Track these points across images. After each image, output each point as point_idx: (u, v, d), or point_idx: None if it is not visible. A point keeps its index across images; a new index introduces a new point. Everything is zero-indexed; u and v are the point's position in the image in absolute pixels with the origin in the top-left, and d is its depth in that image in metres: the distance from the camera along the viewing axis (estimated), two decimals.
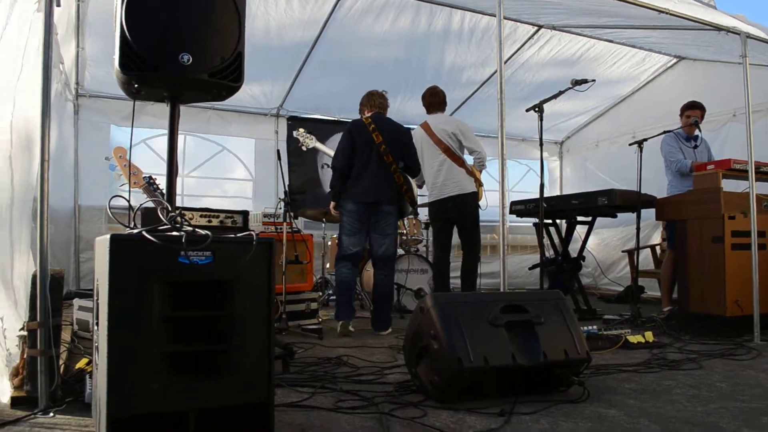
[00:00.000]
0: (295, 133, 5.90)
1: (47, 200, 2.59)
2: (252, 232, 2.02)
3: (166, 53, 2.14)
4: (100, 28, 5.99)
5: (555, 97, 4.86)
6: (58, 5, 2.69)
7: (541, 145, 4.42)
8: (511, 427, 2.34)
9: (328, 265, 6.77)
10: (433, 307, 2.67)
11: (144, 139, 7.33)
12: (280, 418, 2.33)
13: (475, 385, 2.67)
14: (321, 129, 8.24)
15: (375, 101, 5.16)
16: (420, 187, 5.35)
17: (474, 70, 7.64)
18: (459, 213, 5.24)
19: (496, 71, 7.49)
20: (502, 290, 3.41)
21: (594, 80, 4.44)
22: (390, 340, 4.43)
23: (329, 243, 6.83)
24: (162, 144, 7.33)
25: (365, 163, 4.76)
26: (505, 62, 4.00)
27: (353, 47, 6.93)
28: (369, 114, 5.05)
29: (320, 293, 6.14)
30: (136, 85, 2.20)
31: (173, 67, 2.13)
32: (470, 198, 5.22)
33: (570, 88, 4.62)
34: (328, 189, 7.28)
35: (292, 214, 4.89)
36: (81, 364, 3.09)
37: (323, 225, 6.72)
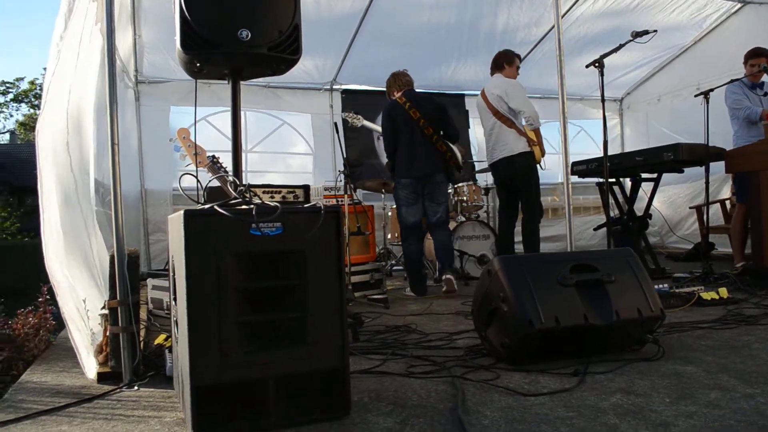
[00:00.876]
0: (343, 115, 5.89)
1: (119, 183, 2.68)
2: (318, 203, 2.04)
3: (226, 30, 2.17)
4: (155, 15, 6.11)
5: (616, 50, 4.69)
6: None
7: (603, 100, 4.29)
8: (586, 386, 2.31)
9: (389, 236, 6.80)
10: (501, 269, 2.65)
11: (204, 117, 7.48)
12: (354, 385, 2.36)
13: (546, 346, 2.64)
14: (375, 101, 8.22)
15: (402, 80, 5.35)
16: (463, 154, 5.33)
17: (527, 31, 7.46)
18: (508, 175, 5.19)
19: (550, 29, 7.34)
20: (569, 250, 3.35)
21: (656, 31, 4.27)
22: (456, 306, 4.43)
23: (390, 213, 6.86)
24: (222, 120, 7.48)
25: (410, 140, 5.01)
26: (561, 17, 3.88)
27: (404, 14, 6.86)
28: (399, 93, 5.22)
29: (383, 263, 6.18)
30: (198, 64, 2.24)
31: (233, 44, 2.16)
32: (519, 159, 5.13)
33: (630, 41, 4.46)
34: (384, 160, 7.30)
35: (352, 186, 4.91)
36: (159, 339, 3.21)
37: (382, 196, 6.74)
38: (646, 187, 6.06)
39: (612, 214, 6.27)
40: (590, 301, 2.66)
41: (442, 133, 5.11)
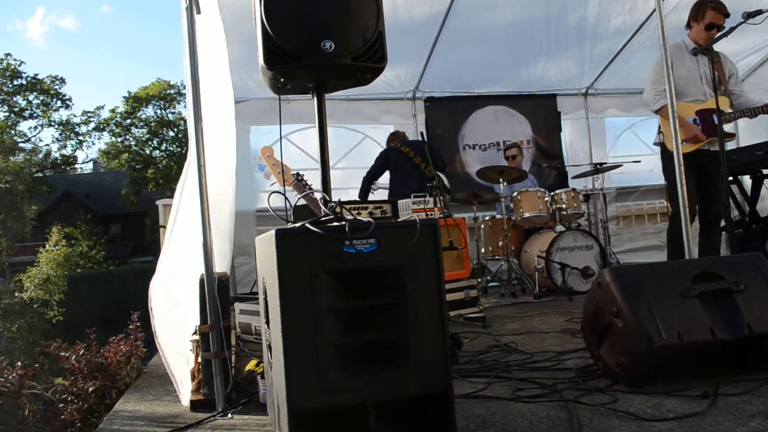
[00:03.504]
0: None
1: (207, 204, 2.78)
2: (414, 217, 2.04)
3: (308, 43, 2.22)
4: (231, 35, 6.33)
5: (725, 35, 4.48)
6: (198, 12, 2.86)
7: (716, 90, 4.10)
8: (718, 410, 2.19)
9: (483, 250, 6.74)
10: (613, 281, 2.56)
11: (285, 135, 7.66)
12: (458, 410, 2.32)
13: (668, 365, 2.53)
14: (461, 107, 8.23)
15: (399, 136, 6.87)
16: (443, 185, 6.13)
17: (621, 19, 7.26)
18: None
19: (648, 17, 7.10)
20: (688, 257, 3.21)
21: None
22: (561, 323, 4.32)
23: (482, 226, 6.79)
24: (303, 138, 7.64)
25: (404, 169, 6.33)
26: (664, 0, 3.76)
27: (486, 13, 6.83)
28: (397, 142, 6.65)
29: (478, 280, 6.12)
30: (282, 79, 2.30)
31: (317, 56, 2.21)
32: (660, 152, 4.92)
33: (742, 23, 4.25)
34: (473, 169, 7.26)
35: (441, 198, 4.90)
36: (251, 365, 3.28)
37: (474, 207, 6.68)
38: None
39: (732, 216, 5.98)
40: (717, 313, 2.52)
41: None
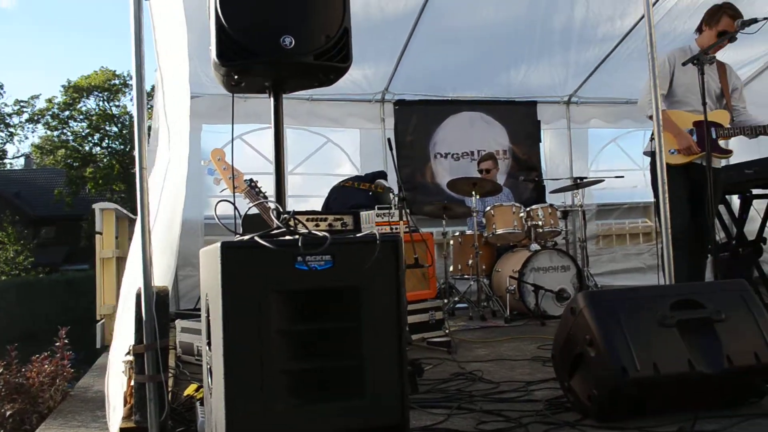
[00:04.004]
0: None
1: (148, 211, 2.75)
2: (374, 232, 2.05)
3: (266, 38, 2.22)
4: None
5: (719, 44, 4.62)
6: None
7: (704, 104, 4.20)
8: None
9: (451, 268, 6.78)
10: (587, 307, 2.60)
11: (240, 135, 7.61)
12: None
13: (644, 398, 2.57)
14: (432, 112, 8.27)
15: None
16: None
17: (610, 24, 7.38)
18: None
19: (639, 20, 7.24)
20: (667, 282, 3.28)
21: (766, 18, 4.17)
22: (532, 350, 4.37)
23: (451, 242, 6.83)
24: (259, 139, 7.60)
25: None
26: (653, 5, 3.85)
27: (465, 12, 6.88)
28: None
29: (445, 301, 6.15)
30: (236, 77, 2.30)
31: (275, 52, 2.22)
32: (650, 163, 5.00)
33: (735, 32, 4.38)
34: (443, 180, 7.30)
35: (408, 211, 4.92)
36: (190, 390, 3.25)
37: (443, 222, 6.72)
38: (758, 205, 5.89)
39: (718, 239, 6.11)
40: (696, 344, 2.58)
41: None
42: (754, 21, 4.19)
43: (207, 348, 2.33)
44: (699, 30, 4.98)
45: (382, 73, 7.76)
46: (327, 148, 8.22)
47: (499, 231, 6.38)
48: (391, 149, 5.12)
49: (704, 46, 4.75)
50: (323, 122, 8.08)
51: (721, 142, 4.88)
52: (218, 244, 1.92)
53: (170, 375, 3.62)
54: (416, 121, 8.25)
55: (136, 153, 2.73)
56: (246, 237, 2.02)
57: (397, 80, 7.91)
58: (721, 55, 5.07)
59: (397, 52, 7.34)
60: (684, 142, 4.72)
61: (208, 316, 2.27)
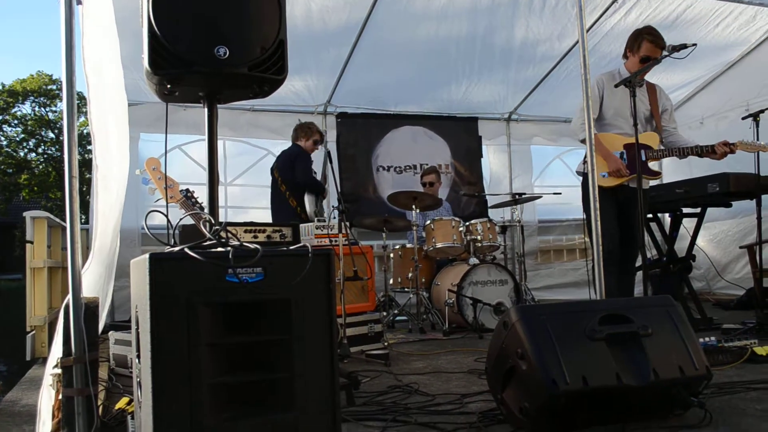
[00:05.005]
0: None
1: (77, 220, 2.68)
2: (306, 245, 2.04)
3: (201, 47, 2.20)
4: (121, 28, 6.19)
5: (648, 68, 4.75)
6: (79, 2, 2.79)
7: (636, 125, 4.32)
8: None
9: (391, 281, 6.79)
10: (519, 321, 2.63)
11: (179, 145, 7.53)
12: None
13: (573, 411, 2.61)
14: (375, 125, 8.32)
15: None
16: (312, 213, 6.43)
17: (549, 44, 7.55)
18: None
19: (576, 43, 7.42)
20: (597, 297, 3.34)
21: (695, 44, 4.30)
22: (469, 363, 4.40)
23: (392, 255, 6.85)
24: (198, 150, 7.53)
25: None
26: (587, 31, 3.95)
27: (408, 27, 6.95)
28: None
29: (384, 313, 6.16)
30: (169, 86, 2.27)
31: (209, 63, 2.19)
32: (582, 183, 5.16)
33: (666, 56, 4.51)
34: (386, 193, 7.33)
35: (347, 224, 4.92)
36: (121, 403, 3.18)
37: (383, 235, 6.74)
38: (688, 224, 6.05)
39: (649, 255, 6.26)
40: (624, 357, 2.63)
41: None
42: (683, 47, 4.32)
43: (136, 360, 2.29)
44: (625, 56, 5.14)
45: (324, 85, 7.78)
46: (268, 160, 8.17)
47: (439, 245, 6.43)
48: (330, 162, 5.12)
49: (632, 71, 4.89)
50: (264, 134, 8.05)
51: (651, 164, 5.01)
52: (147, 255, 1.89)
53: (102, 388, 3.53)
54: (359, 134, 8.29)
55: (65, 160, 2.66)
56: (176, 248, 1.99)
57: (340, 93, 7.94)
58: (656, 78, 5.22)
59: (340, 64, 7.37)
60: (614, 165, 4.84)
61: (137, 328, 2.23)
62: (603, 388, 2.55)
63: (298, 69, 7.20)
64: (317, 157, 8.07)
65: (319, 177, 6.64)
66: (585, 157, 5.06)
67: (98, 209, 3.24)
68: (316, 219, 5.89)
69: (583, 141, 5.03)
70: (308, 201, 6.34)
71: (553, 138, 9.22)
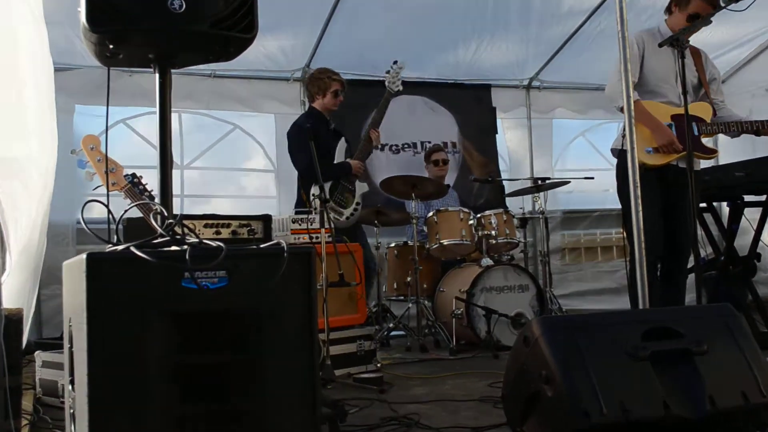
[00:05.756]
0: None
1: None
2: (281, 242, 2.03)
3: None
4: None
5: (697, 27, 4.73)
6: None
7: (685, 94, 4.31)
8: None
9: (385, 288, 6.79)
10: (543, 335, 2.62)
11: (124, 119, 7.47)
12: None
13: None
14: (365, 95, 8.26)
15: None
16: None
17: None
18: None
19: None
20: (641, 306, 3.34)
21: None
22: (480, 388, 4.40)
23: (386, 255, 6.85)
24: (148, 125, 7.47)
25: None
26: None
27: None
28: None
29: (377, 327, 6.15)
30: (111, 47, 2.25)
31: (161, 18, 2.18)
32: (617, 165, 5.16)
33: (722, 8, 4.50)
34: (378, 179, 7.30)
35: (330, 217, 4.91)
36: None
37: (376, 231, 6.73)
38: (751, 215, 6.06)
39: (703, 254, 6.26)
40: (672, 381, 2.63)
41: None
42: None
43: (70, 387, 2.27)
44: (668, 10, 5.10)
45: (302, 45, 7.74)
46: (234, 137, 8.14)
47: (444, 242, 6.42)
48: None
49: (675, 30, 4.87)
50: (230, 104, 8.00)
51: (705, 140, 5.00)
52: (83, 256, 1.88)
53: (26, 422, 3.51)
54: (344, 105, 8.22)
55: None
56: (121, 247, 1.98)
57: (322, 55, 7.89)
58: (704, 34, 5.19)
59: (322, 19, 7.34)
60: (664, 138, 4.80)
61: (71, 346, 2.21)
62: (647, 419, 2.54)
63: (271, 26, 7.16)
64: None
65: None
66: (622, 131, 5.05)
67: (14, 203, 3.20)
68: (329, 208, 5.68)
69: (622, 109, 5.02)
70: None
71: (580, 109, 9.18)
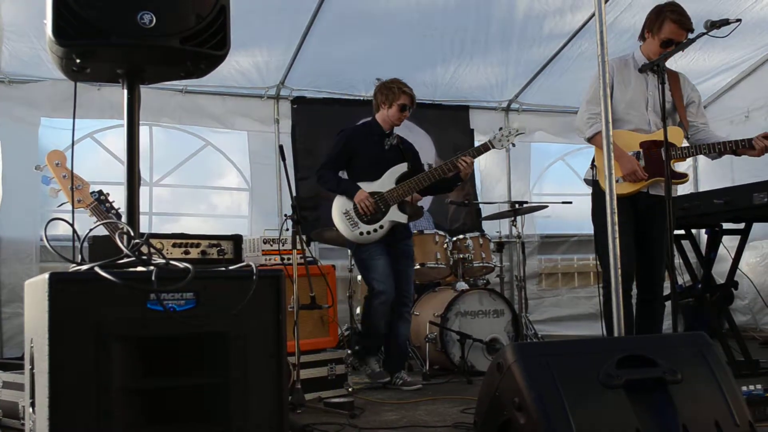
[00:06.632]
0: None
1: None
2: (250, 264, 2.04)
3: (119, 13, 2.19)
4: None
5: (681, 49, 4.78)
6: None
7: (665, 119, 4.37)
8: None
9: (358, 310, 6.78)
10: (516, 362, 2.64)
11: (91, 133, 7.44)
12: None
13: None
14: (341, 113, 8.28)
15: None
16: None
17: (559, 18, 7.61)
18: None
19: (591, 16, 7.47)
20: (616, 334, 3.36)
21: (739, 20, 4.36)
22: (453, 414, 4.40)
23: (359, 278, 6.85)
24: (116, 139, 7.43)
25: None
26: (605, 1, 3.98)
27: None
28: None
29: (348, 351, 6.14)
30: (78, 61, 2.25)
31: (130, 32, 2.18)
32: (592, 193, 5.22)
33: (703, 34, 4.55)
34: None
35: (303, 237, 4.91)
36: None
37: (349, 252, 6.73)
38: (729, 243, 6.11)
39: (680, 281, 6.30)
40: (646, 410, 2.65)
41: None
42: (725, 23, 4.37)
43: (30, 410, 2.26)
44: (642, 37, 5.13)
45: (276, 62, 7.74)
46: (206, 154, 8.12)
47: (418, 265, 6.42)
48: (283, 159, 5.09)
49: (650, 57, 4.91)
50: (202, 120, 7.97)
51: (677, 165, 5.04)
52: (45, 276, 1.87)
53: None
54: (319, 124, 8.24)
55: None
56: (84, 267, 1.98)
57: (296, 72, 7.91)
58: (688, 60, 5.26)
59: (297, 37, 7.34)
60: (628, 167, 4.84)
61: (32, 368, 2.20)
62: None
63: (245, 42, 7.16)
64: (268, 152, 8.04)
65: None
66: (593, 161, 5.10)
67: None
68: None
69: (590, 140, 5.07)
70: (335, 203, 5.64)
71: (560, 132, 9.22)
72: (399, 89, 5.79)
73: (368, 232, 5.38)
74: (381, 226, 5.40)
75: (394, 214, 5.44)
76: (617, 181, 4.76)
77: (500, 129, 5.81)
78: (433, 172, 5.56)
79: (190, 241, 4.37)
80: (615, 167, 4.79)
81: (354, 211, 5.41)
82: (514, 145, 5.90)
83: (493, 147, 5.70)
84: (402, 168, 5.62)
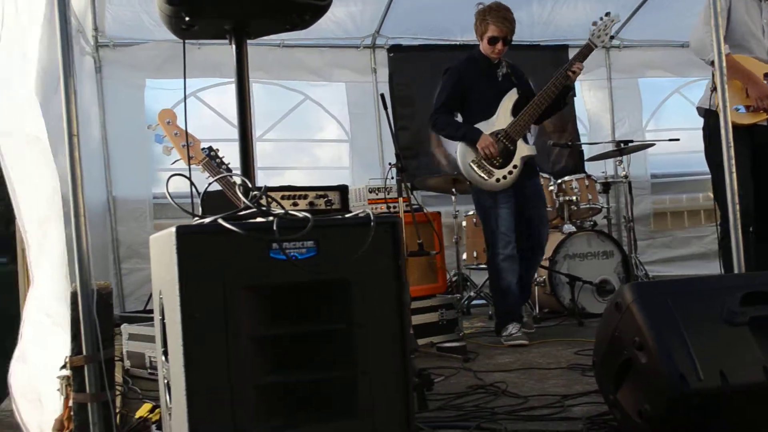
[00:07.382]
0: None
1: (81, 190, 2.73)
2: (367, 211, 2.05)
3: None
4: None
5: None
6: None
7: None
8: None
9: (465, 256, 6.79)
10: (635, 302, 2.61)
11: (194, 92, 7.58)
12: None
13: (709, 415, 2.59)
14: (437, 60, 8.21)
15: None
16: None
17: None
18: None
19: None
20: (736, 271, 3.28)
21: None
22: (568, 356, 4.39)
23: (464, 224, 6.84)
24: (218, 97, 7.56)
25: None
26: None
27: None
28: None
29: (458, 296, 6.17)
30: (187, 18, 2.28)
31: None
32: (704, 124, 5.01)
33: None
34: (452, 147, 7.24)
35: (408, 185, 4.92)
36: (142, 411, 3.26)
37: (453, 198, 6.72)
38: None
39: None
40: None
41: None
42: None
43: (163, 358, 2.34)
44: None
45: (371, 10, 7.72)
46: (305, 107, 8.18)
47: None
48: (385, 107, 5.09)
49: None
50: (300, 74, 8.04)
51: None
52: (172, 230, 1.92)
53: (118, 393, 3.63)
54: (416, 72, 8.20)
55: (63, 115, 2.71)
56: (207, 219, 2.03)
57: (391, 20, 7.88)
58: None
59: None
60: (759, 91, 4.61)
61: (162, 318, 2.28)
62: (747, 385, 2.51)
63: None
64: (367, 103, 8.03)
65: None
66: (711, 86, 4.89)
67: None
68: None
69: (713, 63, 4.89)
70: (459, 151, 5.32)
71: (669, 68, 8.97)
72: (482, 20, 5.32)
73: (504, 177, 5.09)
74: (515, 166, 5.12)
75: (523, 149, 5.20)
76: (739, 110, 4.59)
77: (594, 24, 5.53)
78: (547, 92, 5.27)
79: (297, 193, 4.42)
80: (738, 94, 4.64)
81: (481, 158, 5.10)
82: (612, 37, 5.76)
83: (596, 46, 5.48)
84: (513, 96, 5.37)
